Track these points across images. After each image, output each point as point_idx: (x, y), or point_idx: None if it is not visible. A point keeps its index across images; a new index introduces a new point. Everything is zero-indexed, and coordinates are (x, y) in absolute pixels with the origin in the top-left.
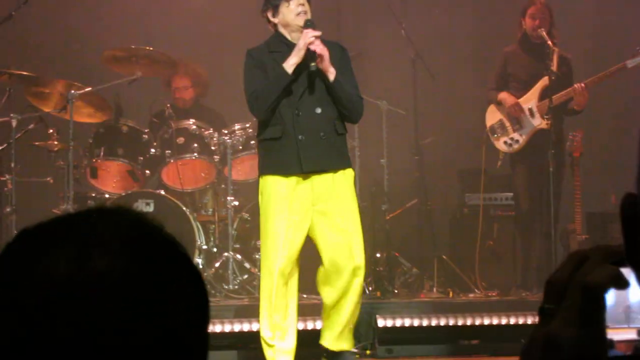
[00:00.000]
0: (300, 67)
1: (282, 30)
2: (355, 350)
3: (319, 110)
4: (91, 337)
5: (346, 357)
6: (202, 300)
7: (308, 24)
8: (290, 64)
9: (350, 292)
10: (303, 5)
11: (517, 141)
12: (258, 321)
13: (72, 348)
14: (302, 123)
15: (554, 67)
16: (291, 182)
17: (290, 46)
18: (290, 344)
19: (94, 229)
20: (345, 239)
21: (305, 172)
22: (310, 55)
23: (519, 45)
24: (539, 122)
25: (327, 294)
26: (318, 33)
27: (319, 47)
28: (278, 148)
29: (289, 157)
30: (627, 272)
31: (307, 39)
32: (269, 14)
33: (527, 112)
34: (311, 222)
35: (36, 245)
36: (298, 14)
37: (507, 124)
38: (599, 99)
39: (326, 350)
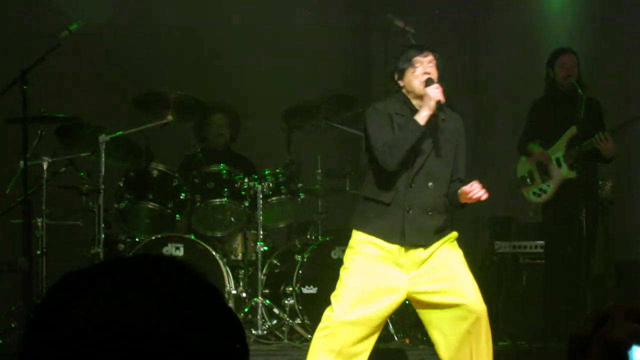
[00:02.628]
0: (425, 141)
1: (406, 94)
2: None
3: (430, 185)
4: None
5: None
6: (242, 348)
7: (429, 82)
8: (422, 116)
9: (481, 344)
10: (429, 73)
11: (545, 191)
12: None
13: None
14: (413, 196)
15: (582, 116)
16: (389, 247)
17: (414, 110)
18: None
19: (135, 275)
20: (455, 290)
21: (406, 244)
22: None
23: (547, 94)
24: (566, 171)
25: (454, 357)
26: (442, 96)
27: (441, 97)
28: (384, 214)
29: (393, 226)
30: None
31: (437, 95)
32: (395, 76)
33: (555, 162)
34: (414, 295)
35: (75, 290)
36: (425, 85)
37: (536, 174)
38: (632, 146)
39: None
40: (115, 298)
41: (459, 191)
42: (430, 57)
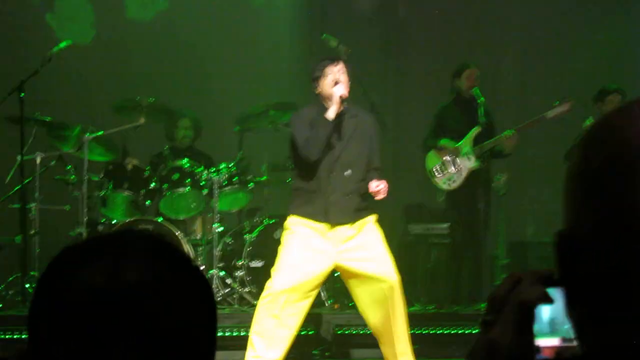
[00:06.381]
0: (339, 136)
1: (322, 100)
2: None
3: (348, 173)
4: (121, 338)
5: None
6: (212, 306)
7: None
8: (330, 110)
9: (395, 307)
10: (338, 80)
11: (454, 181)
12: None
13: (106, 347)
14: (333, 182)
15: (484, 118)
16: (317, 226)
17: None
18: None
19: (126, 247)
20: (375, 264)
21: (332, 224)
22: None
23: (453, 100)
24: (473, 163)
25: (375, 316)
26: (344, 92)
27: (344, 92)
28: (310, 200)
29: (319, 209)
30: (553, 292)
31: (340, 91)
32: (313, 84)
33: (464, 155)
34: (341, 265)
35: (76, 260)
36: (333, 87)
37: (447, 166)
38: (523, 144)
39: None
40: (108, 266)
41: (369, 184)
42: (340, 66)
